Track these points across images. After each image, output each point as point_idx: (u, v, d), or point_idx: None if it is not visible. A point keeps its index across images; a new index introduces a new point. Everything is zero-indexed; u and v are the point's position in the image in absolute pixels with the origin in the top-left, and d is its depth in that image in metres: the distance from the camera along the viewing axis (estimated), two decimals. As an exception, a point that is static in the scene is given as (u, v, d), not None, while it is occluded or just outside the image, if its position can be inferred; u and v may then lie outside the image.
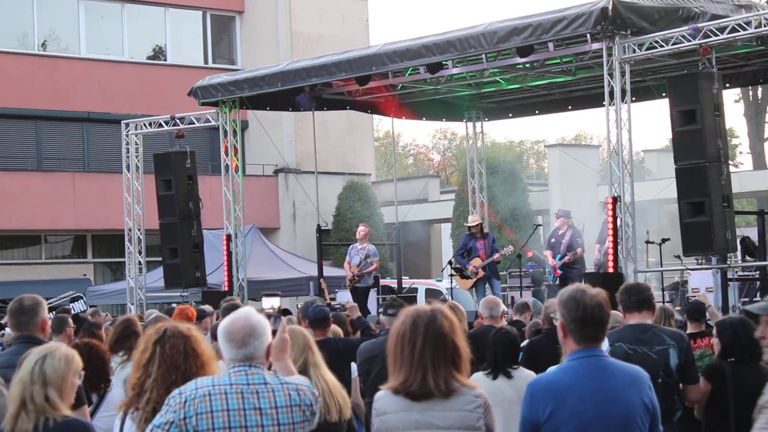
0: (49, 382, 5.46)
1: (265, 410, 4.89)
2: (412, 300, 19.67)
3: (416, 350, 5.12)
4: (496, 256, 19.83)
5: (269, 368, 5.12)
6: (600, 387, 5.08)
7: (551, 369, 5.58)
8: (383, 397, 5.27)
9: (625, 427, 5.05)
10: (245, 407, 4.87)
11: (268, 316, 5.27)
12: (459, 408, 5.15)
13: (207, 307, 13.50)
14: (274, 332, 5.24)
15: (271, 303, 5.64)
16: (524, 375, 7.80)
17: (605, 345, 7.71)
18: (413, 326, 5.16)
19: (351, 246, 21.34)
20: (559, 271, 19.96)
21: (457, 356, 5.18)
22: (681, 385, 7.83)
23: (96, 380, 6.80)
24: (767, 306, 4.81)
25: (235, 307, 6.90)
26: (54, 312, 14.03)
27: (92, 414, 6.64)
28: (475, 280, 20.14)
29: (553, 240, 20.59)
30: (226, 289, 21.38)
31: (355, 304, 12.87)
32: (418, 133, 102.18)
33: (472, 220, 20.79)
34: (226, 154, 21.90)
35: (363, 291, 20.67)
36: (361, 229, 21.22)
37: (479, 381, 7.62)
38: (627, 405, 5.08)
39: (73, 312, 17.22)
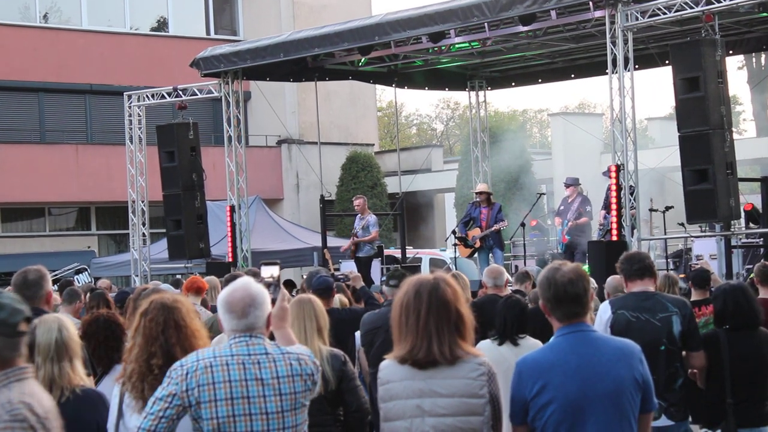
0: (73, 354, 5.57)
1: (266, 381, 4.88)
2: (416, 270, 19.68)
3: (421, 319, 5.13)
4: (494, 227, 19.75)
5: (271, 338, 5.13)
6: (585, 363, 5.05)
7: (539, 347, 5.58)
8: (388, 366, 5.28)
9: (613, 403, 5.02)
10: (247, 378, 4.87)
11: (268, 285, 5.28)
12: (462, 376, 5.15)
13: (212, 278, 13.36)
14: (273, 301, 5.25)
15: (270, 271, 5.60)
16: (530, 344, 7.79)
17: (607, 313, 7.75)
18: (416, 295, 5.17)
19: (357, 215, 21.29)
20: (566, 237, 19.89)
21: (461, 324, 5.18)
22: (684, 352, 7.84)
23: (109, 353, 6.77)
24: None
25: (235, 278, 6.91)
26: (57, 284, 14.06)
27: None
28: (472, 249, 20.16)
29: (562, 207, 20.48)
30: (230, 260, 21.42)
31: (359, 275, 12.89)
32: (420, 103, 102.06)
33: (480, 188, 20.72)
34: (229, 125, 21.89)
35: (365, 260, 20.65)
36: (357, 203, 21.17)
37: (486, 348, 7.63)
38: (614, 380, 5.04)
39: (77, 284, 17.23)
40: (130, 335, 5.56)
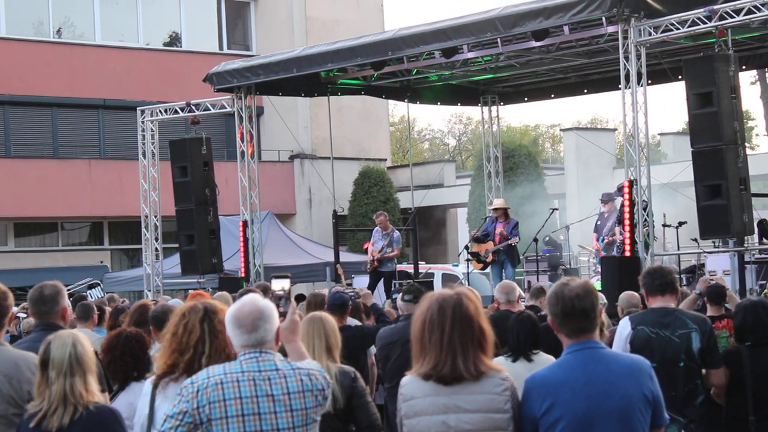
0: (87, 369, 5.47)
1: (277, 397, 4.88)
2: (429, 285, 19.65)
3: (445, 334, 5.10)
4: (504, 243, 19.72)
5: (284, 353, 5.11)
6: (593, 380, 5.03)
7: (549, 364, 5.56)
8: (410, 382, 5.25)
9: (621, 420, 4.99)
10: (258, 394, 4.86)
11: (279, 297, 5.27)
12: (487, 391, 5.14)
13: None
14: (284, 314, 5.24)
15: (281, 285, 5.59)
16: (543, 359, 7.77)
17: (627, 329, 7.73)
18: (440, 311, 5.14)
19: (375, 229, 21.20)
20: (603, 253, 19.79)
21: (483, 339, 5.17)
22: (704, 369, 7.81)
23: (125, 369, 6.72)
24: None
25: (249, 293, 6.91)
26: (71, 299, 14.08)
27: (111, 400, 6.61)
28: (484, 263, 20.16)
29: (599, 223, 20.41)
30: (243, 275, 21.42)
31: (369, 291, 12.89)
32: (433, 118, 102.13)
33: (496, 203, 20.76)
34: (242, 140, 21.93)
35: (387, 275, 20.56)
36: (380, 220, 21.06)
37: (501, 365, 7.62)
38: (623, 397, 5.01)
39: (90, 299, 17.25)
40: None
